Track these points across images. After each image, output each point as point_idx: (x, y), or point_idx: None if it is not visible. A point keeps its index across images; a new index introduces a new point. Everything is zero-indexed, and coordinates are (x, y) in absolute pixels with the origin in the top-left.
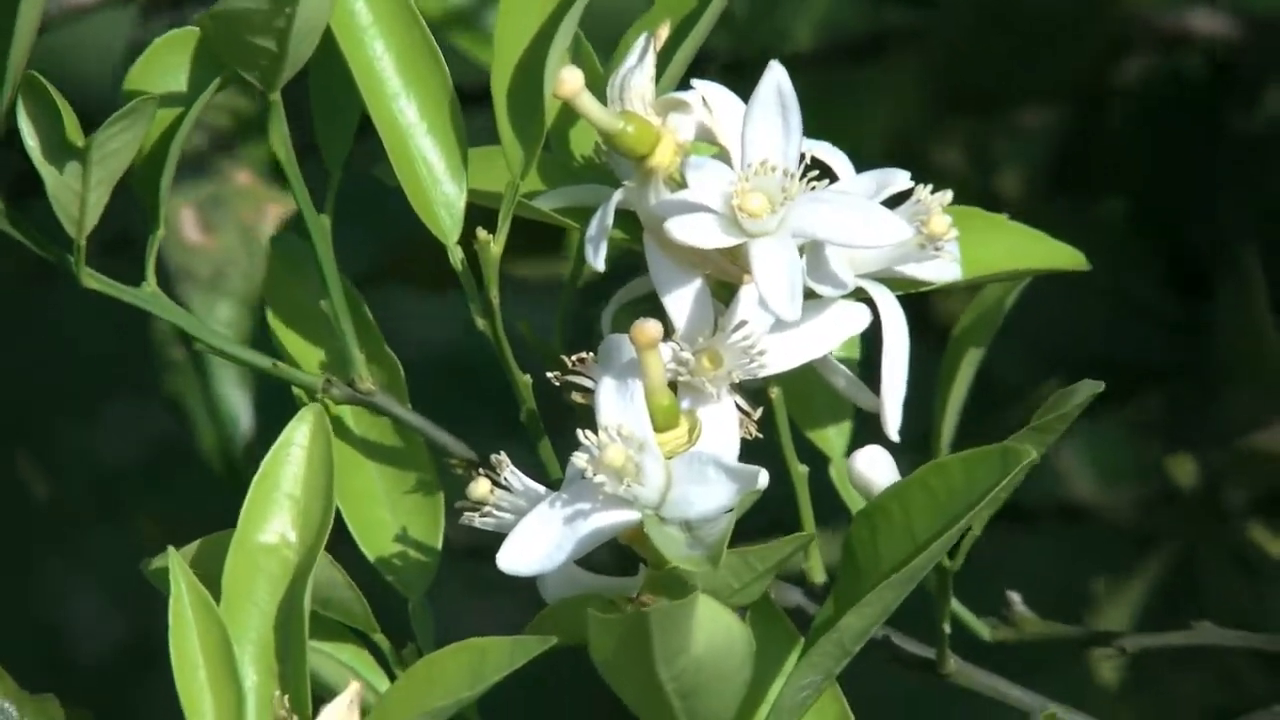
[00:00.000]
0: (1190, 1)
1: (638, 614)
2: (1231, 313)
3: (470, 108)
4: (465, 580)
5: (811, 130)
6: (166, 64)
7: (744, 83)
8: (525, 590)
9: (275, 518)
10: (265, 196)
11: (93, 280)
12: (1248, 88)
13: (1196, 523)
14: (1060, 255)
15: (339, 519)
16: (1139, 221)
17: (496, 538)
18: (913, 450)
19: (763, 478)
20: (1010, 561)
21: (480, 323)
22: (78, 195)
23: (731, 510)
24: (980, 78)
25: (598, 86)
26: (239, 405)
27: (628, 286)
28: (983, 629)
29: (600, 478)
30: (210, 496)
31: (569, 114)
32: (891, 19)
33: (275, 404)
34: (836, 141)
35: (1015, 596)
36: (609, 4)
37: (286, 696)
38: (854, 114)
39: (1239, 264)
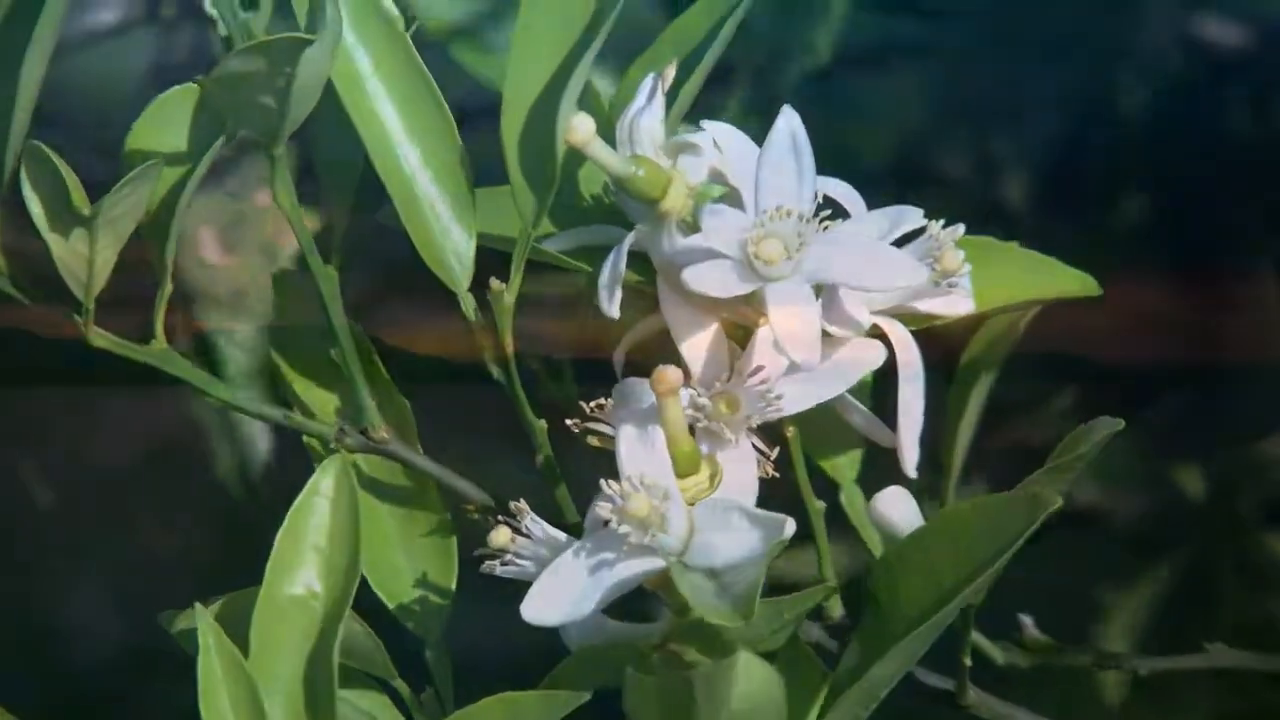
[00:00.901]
0: (1199, 8)
1: (680, 676)
2: (1247, 317)
3: (472, 123)
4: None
5: (816, 142)
6: (169, 119)
7: (763, 90)
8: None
9: (302, 570)
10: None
11: (101, 339)
12: (1257, 93)
13: (1207, 530)
14: (1072, 282)
15: None
16: (1148, 226)
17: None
18: (924, 472)
19: (789, 527)
20: (1014, 570)
21: (495, 371)
22: (85, 260)
23: (762, 561)
24: (986, 87)
25: (604, 121)
26: (256, 426)
27: (638, 327)
28: (997, 654)
29: (625, 528)
30: (211, 496)
31: (577, 154)
32: (897, 30)
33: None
34: (841, 153)
35: (1027, 620)
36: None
37: None
38: (859, 124)
39: (1255, 268)
